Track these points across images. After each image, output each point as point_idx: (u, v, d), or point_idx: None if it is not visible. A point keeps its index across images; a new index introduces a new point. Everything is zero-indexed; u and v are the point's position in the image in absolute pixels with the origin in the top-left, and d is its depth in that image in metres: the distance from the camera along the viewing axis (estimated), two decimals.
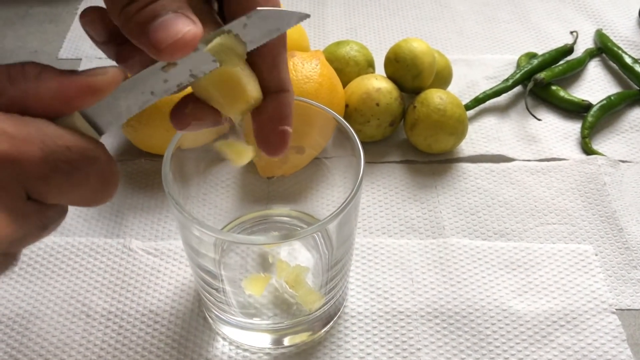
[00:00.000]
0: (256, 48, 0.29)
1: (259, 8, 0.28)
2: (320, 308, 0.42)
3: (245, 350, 0.42)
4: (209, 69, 0.28)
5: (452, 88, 0.61)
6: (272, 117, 0.31)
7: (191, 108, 0.30)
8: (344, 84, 0.55)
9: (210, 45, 0.27)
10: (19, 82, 0.25)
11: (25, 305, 0.44)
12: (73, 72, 0.25)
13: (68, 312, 0.44)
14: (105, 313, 0.44)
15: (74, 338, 0.43)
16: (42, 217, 0.25)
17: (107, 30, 0.30)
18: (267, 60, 0.30)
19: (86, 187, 0.26)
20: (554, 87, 0.60)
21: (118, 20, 0.27)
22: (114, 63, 0.30)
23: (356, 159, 0.38)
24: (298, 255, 0.45)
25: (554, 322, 0.44)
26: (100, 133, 0.28)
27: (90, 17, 0.30)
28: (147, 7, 0.26)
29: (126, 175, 0.53)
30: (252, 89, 0.30)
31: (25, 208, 0.25)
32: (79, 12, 0.70)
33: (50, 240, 0.48)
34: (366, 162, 0.55)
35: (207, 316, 0.44)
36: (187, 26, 0.26)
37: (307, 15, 0.29)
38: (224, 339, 0.43)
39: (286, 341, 0.43)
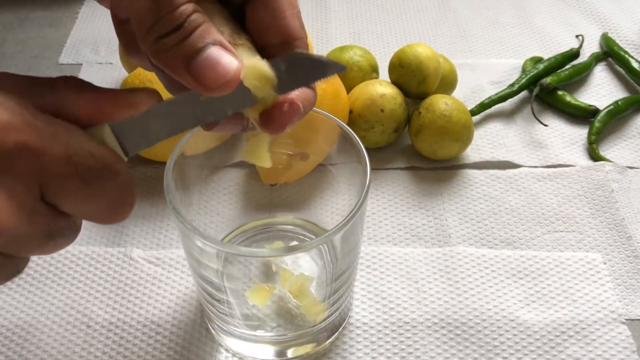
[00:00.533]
0: None
1: (297, 51, 0.27)
2: (325, 319, 0.41)
3: None
4: (244, 105, 0.27)
5: (457, 93, 0.60)
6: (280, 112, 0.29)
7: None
8: (348, 90, 0.55)
9: (250, 84, 0.27)
10: (59, 89, 0.25)
11: (24, 316, 0.44)
12: (112, 89, 0.27)
13: (68, 322, 0.43)
14: (106, 324, 0.43)
15: (74, 350, 0.42)
16: (50, 222, 0.24)
17: None
18: (269, 8, 0.29)
19: (102, 200, 0.25)
20: (560, 92, 0.59)
21: (149, 49, 0.26)
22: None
23: (362, 166, 0.38)
24: (302, 264, 0.44)
25: (563, 332, 0.43)
26: (127, 154, 0.27)
27: None
28: (186, 41, 0.25)
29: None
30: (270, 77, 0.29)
31: (36, 206, 0.24)
32: (79, 16, 0.70)
33: None
34: (370, 169, 0.54)
35: (210, 327, 0.43)
36: (231, 63, 0.26)
37: (344, 68, 0.28)
38: (226, 350, 0.42)
39: (290, 353, 0.42)
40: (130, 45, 0.30)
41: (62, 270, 0.46)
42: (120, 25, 0.30)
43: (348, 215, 0.35)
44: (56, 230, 0.25)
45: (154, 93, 0.27)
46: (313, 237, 0.47)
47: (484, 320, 0.44)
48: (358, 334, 0.43)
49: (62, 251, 0.47)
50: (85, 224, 0.50)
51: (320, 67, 0.28)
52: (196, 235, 0.34)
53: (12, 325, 0.43)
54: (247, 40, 0.29)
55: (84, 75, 0.62)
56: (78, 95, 0.26)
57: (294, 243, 0.46)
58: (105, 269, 0.47)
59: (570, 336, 0.43)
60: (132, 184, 0.26)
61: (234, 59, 0.26)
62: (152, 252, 0.48)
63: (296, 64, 0.27)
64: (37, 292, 0.45)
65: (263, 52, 0.29)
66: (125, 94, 0.26)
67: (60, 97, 0.25)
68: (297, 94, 0.28)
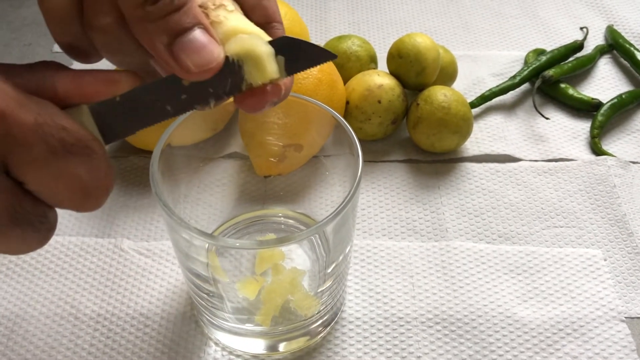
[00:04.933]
0: None
1: (288, 36, 0.26)
2: (316, 313, 0.40)
3: (238, 356, 0.41)
4: (233, 93, 0.26)
5: (457, 85, 0.59)
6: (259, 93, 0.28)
7: None
8: (345, 80, 0.54)
9: (241, 49, 0.26)
10: (38, 70, 0.24)
11: (11, 307, 0.43)
12: (91, 69, 0.26)
13: (55, 314, 0.43)
14: (94, 315, 0.43)
15: (61, 341, 0.41)
16: (15, 201, 0.22)
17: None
18: None
19: (73, 180, 0.23)
20: (562, 85, 0.58)
21: (131, 13, 0.24)
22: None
23: (355, 158, 0.37)
24: (294, 257, 0.43)
25: (561, 330, 0.42)
26: (106, 141, 0.26)
27: None
28: (173, 15, 0.24)
29: (118, 173, 0.52)
30: (273, 70, 0.28)
31: None
32: None
33: None
34: (367, 161, 0.53)
35: (199, 320, 0.42)
36: (216, 50, 0.25)
37: (335, 56, 0.27)
38: (216, 344, 0.41)
39: (281, 347, 0.41)
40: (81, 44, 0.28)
41: (50, 260, 0.46)
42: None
43: (340, 205, 0.34)
44: (22, 214, 0.23)
45: (134, 75, 0.26)
46: (304, 228, 0.46)
47: (480, 316, 0.43)
48: (351, 329, 0.42)
49: (51, 241, 0.47)
50: (76, 214, 0.49)
51: (311, 54, 0.27)
52: (183, 228, 0.33)
53: None
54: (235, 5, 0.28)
55: (77, 65, 0.61)
56: (56, 74, 0.25)
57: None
58: (95, 260, 0.46)
59: (568, 334, 0.42)
60: (110, 167, 0.24)
61: (218, 47, 0.25)
62: (142, 244, 0.47)
63: (287, 50, 0.26)
64: (25, 282, 0.44)
65: None
66: (105, 72, 0.25)
67: (38, 76, 0.24)
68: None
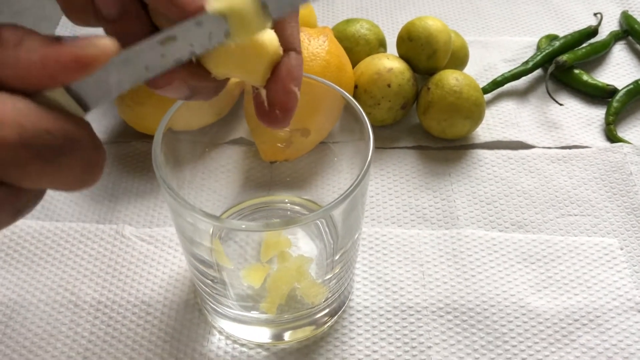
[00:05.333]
0: None
1: None
2: (323, 301, 0.39)
3: (242, 345, 0.40)
4: (216, 43, 0.24)
5: (469, 70, 0.57)
6: (278, 78, 0.27)
7: (186, 74, 0.26)
8: (354, 64, 0.52)
9: (220, 10, 0.24)
10: (4, 46, 0.21)
11: (9, 293, 0.42)
12: (59, 41, 0.22)
13: (55, 301, 0.41)
14: (94, 303, 0.41)
15: (60, 329, 0.40)
16: (15, 202, 0.22)
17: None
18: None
19: (68, 172, 0.22)
20: (576, 71, 0.56)
21: None
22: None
23: (365, 142, 0.35)
24: (301, 244, 0.42)
25: (575, 320, 0.41)
26: (86, 109, 0.24)
27: None
28: None
29: (121, 158, 0.50)
30: (273, 45, 0.27)
31: None
32: None
33: (39, 225, 0.45)
34: (376, 147, 0.52)
35: (203, 308, 0.41)
36: None
37: None
38: (220, 332, 0.40)
39: (287, 336, 0.40)
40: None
41: (50, 247, 0.44)
42: None
43: (348, 189, 0.32)
44: (20, 206, 0.23)
45: (112, 45, 0.23)
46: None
47: (492, 306, 0.41)
48: (359, 318, 0.41)
49: (51, 227, 0.45)
50: (77, 200, 0.48)
51: None
52: (187, 210, 0.31)
53: None
54: None
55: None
56: (19, 57, 0.21)
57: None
58: (95, 247, 0.44)
59: (584, 324, 0.41)
60: (99, 146, 0.23)
61: None
62: (144, 230, 0.45)
63: None
64: (24, 269, 0.43)
65: None
66: (78, 51, 0.22)
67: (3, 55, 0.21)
68: (286, 74, 0.27)
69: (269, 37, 0.27)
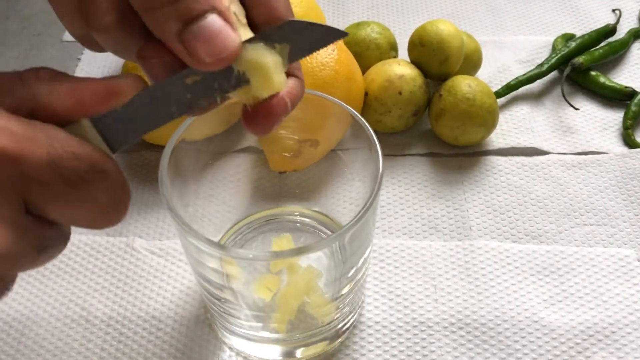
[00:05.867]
0: None
1: (291, 19, 0.25)
2: (334, 319, 0.38)
3: None
4: (239, 86, 0.25)
5: (482, 73, 0.56)
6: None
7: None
8: (364, 70, 0.51)
9: (246, 61, 0.24)
10: (31, 83, 0.23)
11: (21, 308, 0.42)
12: (90, 78, 0.24)
13: (66, 316, 0.42)
14: (105, 318, 0.41)
15: (72, 345, 0.40)
16: (40, 235, 0.22)
17: (116, 8, 0.25)
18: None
19: (93, 204, 0.23)
20: (593, 73, 0.55)
21: (140, 4, 0.23)
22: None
23: (374, 155, 0.34)
24: (312, 262, 0.41)
25: (591, 336, 0.40)
26: (113, 150, 0.24)
27: None
28: (182, 1, 0.22)
29: (130, 168, 0.50)
30: (281, 84, 0.26)
31: (22, 221, 0.22)
32: None
33: None
34: (386, 155, 0.51)
35: (213, 324, 0.41)
36: (231, 37, 0.23)
37: (346, 34, 0.25)
38: (230, 349, 0.40)
39: (298, 353, 0.40)
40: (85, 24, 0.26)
41: (61, 260, 0.44)
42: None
43: (359, 212, 0.32)
44: (45, 242, 0.23)
45: (138, 79, 0.24)
46: (323, 228, 0.44)
47: (505, 321, 0.41)
48: (370, 334, 0.41)
49: None
50: None
51: (318, 35, 0.25)
52: (192, 236, 0.31)
53: (10, 318, 0.42)
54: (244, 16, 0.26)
55: (87, 54, 0.59)
56: (52, 87, 0.23)
57: (303, 236, 0.44)
58: (106, 260, 0.44)
59: (599, 340, 0.40)
60: (125, 183, 0.24)
61: (233, 34, 0.23)
62: (155, 242, 0.45)
63: (291, 34, 0.24)
64: (36, 283, 0.43)
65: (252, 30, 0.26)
66: (105, 82, 0.24)
67: (33, 91, 0.23)
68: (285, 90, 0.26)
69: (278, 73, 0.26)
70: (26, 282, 0.43)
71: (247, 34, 0.25)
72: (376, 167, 0.34)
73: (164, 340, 0.40)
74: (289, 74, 0.27)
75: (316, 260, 0.42)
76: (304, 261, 0.41)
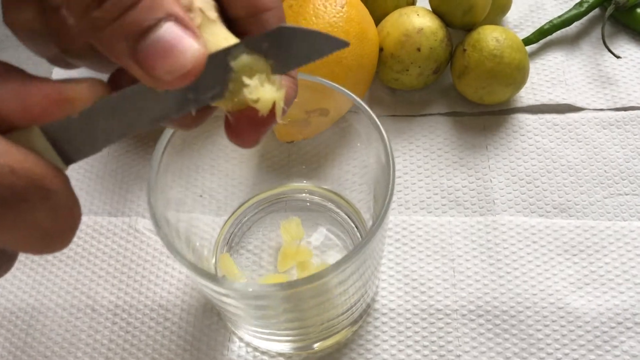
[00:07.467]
0: None
1: (285, 25, 0.20)
2: (347, 310, 0.37)
3: (263, 353, 0.38)
4: (217, 97, 0.21)
5: (512, 14, 0.50)
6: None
7: None
8: (378, 19, 0.46)
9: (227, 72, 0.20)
10: None
11: (27, 298, 0.41)
12: (43, 79, 0.20)
13: (72, 305, 0.41)
14: (112, 307, 0.40)
15: (79, 336, 0.40)
16: None
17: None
18: None
19: (31, 226, 0.19)
20: None
21: (83, 28, 0.19)
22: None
23: (383, 149, 0.31)
24: (326, 258, 0.39)
25: (619, 323, 0.38)
26: (67, 162, 0.21)
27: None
28: (127, 14, 0.18)
29: (130, 138, 0.47)
30: (267, 96, 0.23)
31: None
32: None
33: None
34: (403, 116, 0.47)
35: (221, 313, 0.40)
36: (192, 48, 0.19)
37: (347, 44, 0.21)
38: (240, 339, 0.39)
39: (315, 346, 0.38)
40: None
41: None
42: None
43: (373, 225, 0.29)
44: None
45: (99, 85, 0.20)
46: (332, 206, 0.42)
47: (528, 307, 0.39)
48: (384, 322, 0.39)
49: None
50: (87, 188, 0.45)
51: (314, 44, 0.21)
52: (185, 266, 0.29)
53: (16, 308, 0.41)
54: (217, 10, 0.22)
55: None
56: None
57: (310, 216, 0.41)
58: (109, 243, 0.43)
59: (628, 328, 0.38)
60: (74, 204, 0.20)
61: (194, 42, 0.19)
62: None
63: (283, 42, 0.20)
64: (40, 269, 0.42)
65: (228, 26, 0.22)
66: (60, 86, 0.20)
67: None
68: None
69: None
70: (29, 268, 0.42)
71: (218, 31, 0.21)
72: (387, 181, 0.30)
73: (172, 331, 0.39)
74: (258, 11, 0.22)
75: (329, 245, 0.39)
76: (315, 259, 0.38)
